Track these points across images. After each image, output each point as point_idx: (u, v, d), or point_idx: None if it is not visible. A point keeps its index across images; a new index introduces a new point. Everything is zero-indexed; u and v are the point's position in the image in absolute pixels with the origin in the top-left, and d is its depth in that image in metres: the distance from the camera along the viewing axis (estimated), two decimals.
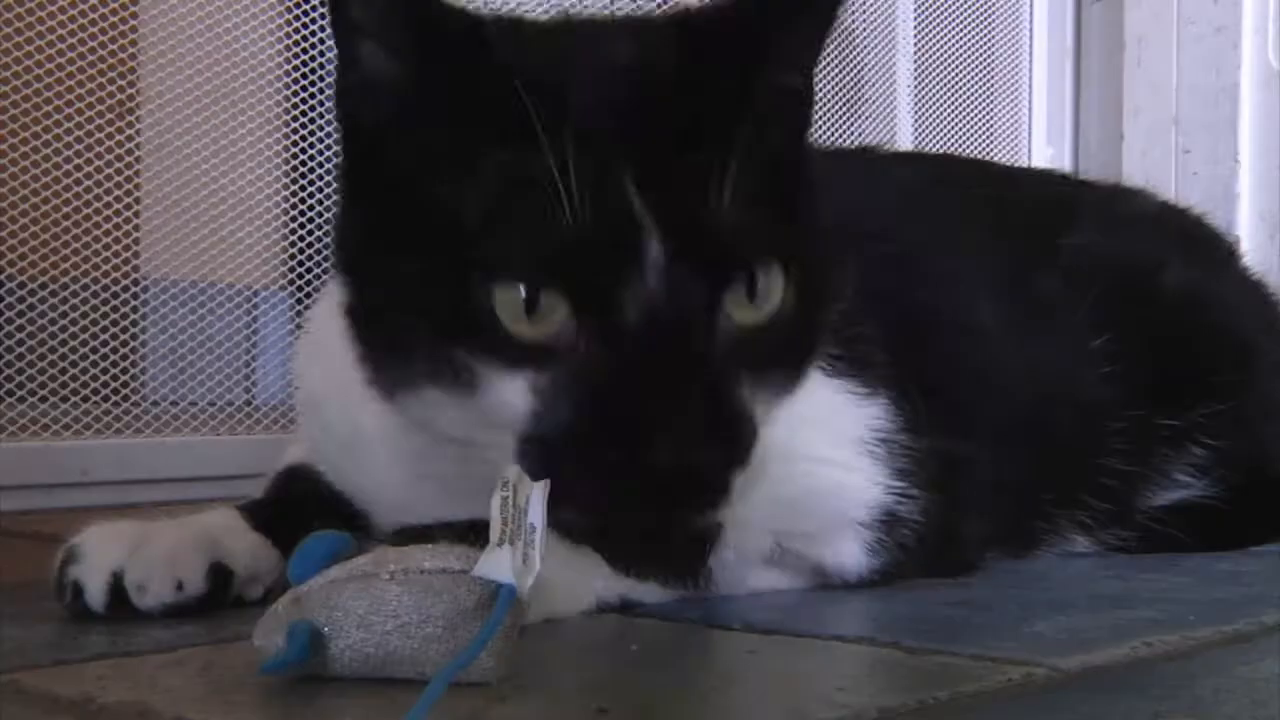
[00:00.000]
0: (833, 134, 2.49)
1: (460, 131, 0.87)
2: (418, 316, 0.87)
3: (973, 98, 2.82)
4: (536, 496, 0.77)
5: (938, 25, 2.74)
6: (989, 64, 2.86)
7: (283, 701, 0.76)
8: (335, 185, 0.98)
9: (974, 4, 2.82)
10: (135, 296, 1.85)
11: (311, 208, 1.97)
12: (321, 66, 1.97)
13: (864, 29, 2.61)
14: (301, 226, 1.97)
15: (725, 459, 0.85)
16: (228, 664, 0.84)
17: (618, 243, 0.83)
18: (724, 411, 0.85)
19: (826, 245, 0.96)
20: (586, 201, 0.82)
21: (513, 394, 0.85)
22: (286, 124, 1.97)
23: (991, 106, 2.87)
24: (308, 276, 1.95)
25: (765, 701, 0.78)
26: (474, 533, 0.82)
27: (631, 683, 0.83)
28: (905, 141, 2.68)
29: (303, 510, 1.06)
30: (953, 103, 2.78)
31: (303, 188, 1.97)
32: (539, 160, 0.82)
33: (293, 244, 1.97)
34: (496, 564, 0.76)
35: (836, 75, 2.49)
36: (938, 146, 2.73)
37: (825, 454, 1.09)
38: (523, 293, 0.83)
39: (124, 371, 1.80)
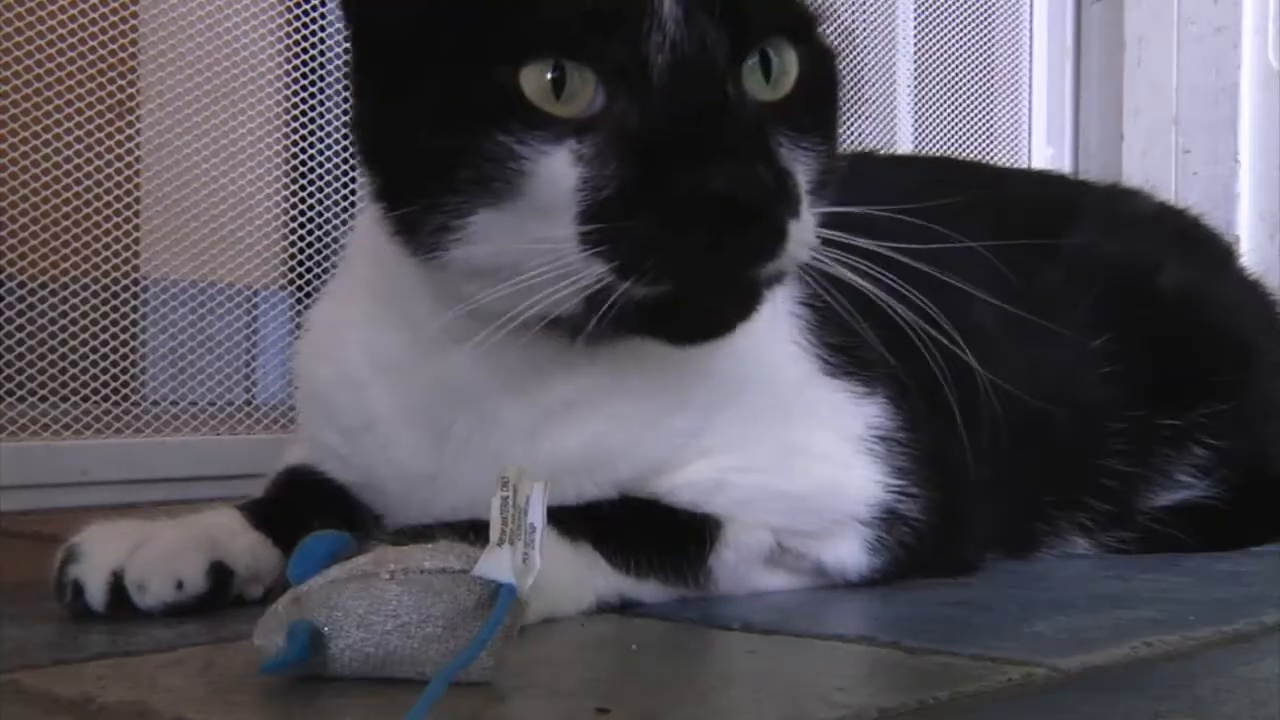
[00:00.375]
0: None
1: None
2: (452, 133, 0.89)
3: (973, 98, 2.82)
4: (536, 496, 0.77)
5: (938, 25, 2.74)
6: (989, 64, 2.86)
7: (283, 701, 0.76)
8: (346, 85, 1.00)
9: (974, 4, 2.82)
10: (135, 296, 1.85)
11: (311, 208, 1.97)
12: (321, 66, 1.97)
13: (864, 29, 2.61)
14: (301, 226, 1.97)
15: (778, 195, 0.87)
16: (228, 664, 0.84)
17: (632, 3, 0.87)
18: (764, 154, 0.88)
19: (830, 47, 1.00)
20: None
21: (561, 165, 0.87)
22: (286, 124, 1.97)
23: (991, 106, 2.87)
24: (308, 276, 1.95)
25: (765, 701, 0.78)
26: (474, 533, 0.82)
27: (631, 682, 0.83)
28: (905, 141, 2.68)
29: (303, 510, 1.06)
30: (953, 103, 2.78)
31: (303, 188, 1.97)
32: None
33: (293, 244, 1.97)
34: (496, 564, 0.76)
35: None
36: (938, 147, 2.73)
37: (824, 451, 1.09)
38: (549, 71, 0.86)
39: (124, 371, 1.80)
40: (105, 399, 1.78)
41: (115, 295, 1.82)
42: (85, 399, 1.77)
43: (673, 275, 0.87)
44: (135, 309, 1.85)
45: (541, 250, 0.88)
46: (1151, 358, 1.36)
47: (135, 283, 1.86)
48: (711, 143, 0.86)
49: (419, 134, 0.91)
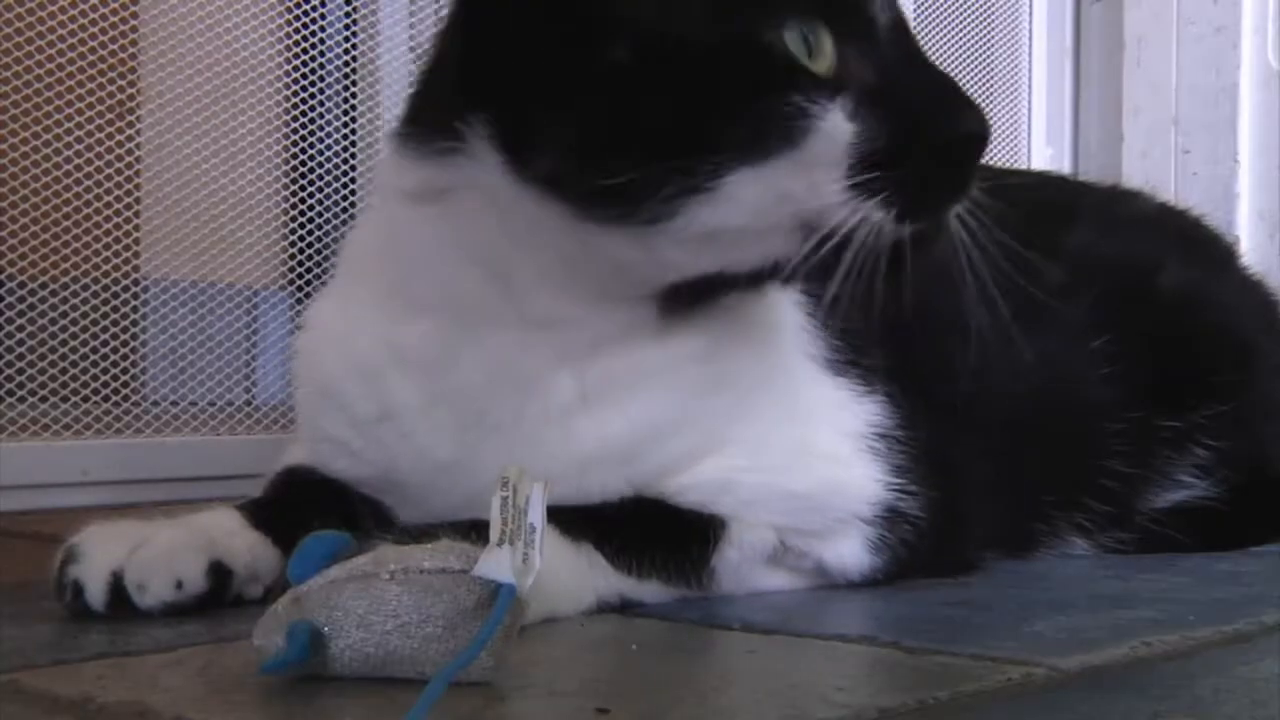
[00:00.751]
0: None
1: None
2: (710, 95, 0.91)
3: (972, 98, 2.81)
4: (536, 496, 0.78)
5: (938, 25, 2.74)
6: (989, 64, 2.85)
7: (283, 701, 0.76)
8: (507, 60, 0.97)
9: (974, 4, 2.82)
10: (135, 296, 1.85)
11: (311, 208, 1.97)
12: (321, 66, 1.97)
13: None
14: (301, 226, 1.97)
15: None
16: (228, 664, 0.84)
17: None
18: None
19: None
20: None
21: (838, 120, 0.92)
22: (286, 124, 1.97)
23: (991, 106, 2.86)
24: (308, 276, 1.95)
25: (765, 701, 0.78)
26: (474, 532, 0.82)
27: (631, 682, 0.83)
28: None
29: (302, 510, 1.06)
30: None
31: (303, 188, 1.97)
32: None
33: (293, 244, 1.97)
34: (496, 564, 0.76)
35: None
36: None
37: (827, 450, 1.09)
38: (803, 33, 0.92)
39: (124, 371, 1.80)
40: (105, 399, 1.78)
41: (115, 295, 1.82)
42: (85, 399, 1.76)
43: (934, 213, 0.95)
44: (135, 309, 1.85)
45: (801, 203, 0.92)
46: (1152, 358, 1.36)
47: (135, 283, 1.86)
48: (940, 90, 0.95)
49: (655, 98, 0.91)
